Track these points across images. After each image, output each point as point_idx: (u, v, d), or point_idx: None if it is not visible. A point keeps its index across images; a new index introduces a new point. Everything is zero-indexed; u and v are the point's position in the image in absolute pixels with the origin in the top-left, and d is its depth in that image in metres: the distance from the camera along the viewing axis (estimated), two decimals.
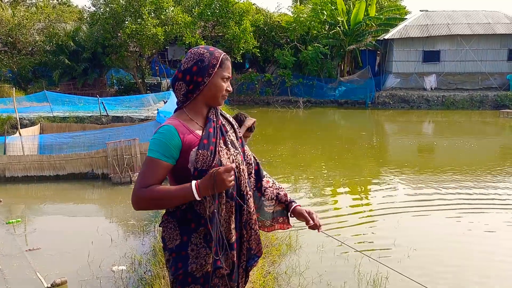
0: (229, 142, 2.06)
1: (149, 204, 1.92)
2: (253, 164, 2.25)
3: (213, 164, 1.92)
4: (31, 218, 7.78)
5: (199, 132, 1.98)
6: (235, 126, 2.20)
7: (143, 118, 15.47)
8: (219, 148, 1.98)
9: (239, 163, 2.05)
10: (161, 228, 2.06)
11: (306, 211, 2.21)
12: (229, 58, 2.06)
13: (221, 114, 2.13)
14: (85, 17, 26.52)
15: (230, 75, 2.06)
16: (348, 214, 7.52)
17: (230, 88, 2.06)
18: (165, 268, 4.30)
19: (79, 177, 9.82)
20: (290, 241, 5.89)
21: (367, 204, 8.33)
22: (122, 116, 15.88)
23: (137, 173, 9.61)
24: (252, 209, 2.13)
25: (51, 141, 10.58)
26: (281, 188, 2.33)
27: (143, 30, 20.94)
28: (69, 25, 24.53)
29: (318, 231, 2.22)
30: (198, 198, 1.86)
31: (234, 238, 2.02)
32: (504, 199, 8.18)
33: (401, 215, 7.28)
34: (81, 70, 22.61)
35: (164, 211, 2.07)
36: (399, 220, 7.01)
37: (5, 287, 4.96)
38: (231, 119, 2.21)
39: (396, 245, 5.96)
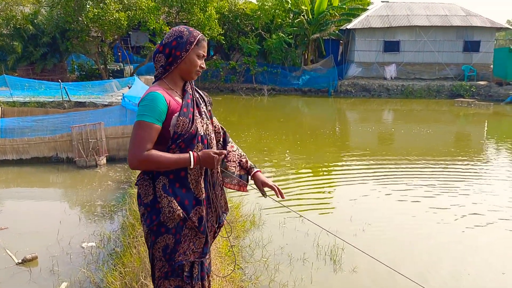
0: (203, 113, 2.38)
1: (150, 166, 2.18)
2: (221, 133, 2.59)
3: (191, 130, 2.23)
4: None
5: (179, 100, 2.28)
6: (207, 102, 2.51)
7: (106, 104, 15.29)
8: (196, 117, 2.29)
9: (209, 132, 2.39)
10: (137, 186, 2.33)
11: (268, 183, 2.50)
12: (205, 39, 2.37)
13: (196, 90, 2.44)
14: (44, 0, 25.71)
15: (205, 54, 2.37)
16: (309, 193, 7.91)
17: (204, 66, 2.36)
18: (136, 240, 4.52)
19: (43, 161, 9.79)
20: (254, 218, 6.19)
21: (328, 183, 8.75)
22: (85, 102, 15.62)
23: (103, 157, 9.72)
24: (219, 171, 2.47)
25: (14, 124, 10.40)
26: (243, 155, 2.64)
27: (106, 14, 20.54)
28: (28, 8, 23.70)
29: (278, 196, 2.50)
30: (191, 167, 2.21)
31: (203, 196, 2.33)
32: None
33: (358, 194, 7.74)
34: (39, 55, 22.00)
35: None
36: (356, 198, 7.46)
37: None
38: (204, 95, 2.52)
39: (352, 220, 6.37)
